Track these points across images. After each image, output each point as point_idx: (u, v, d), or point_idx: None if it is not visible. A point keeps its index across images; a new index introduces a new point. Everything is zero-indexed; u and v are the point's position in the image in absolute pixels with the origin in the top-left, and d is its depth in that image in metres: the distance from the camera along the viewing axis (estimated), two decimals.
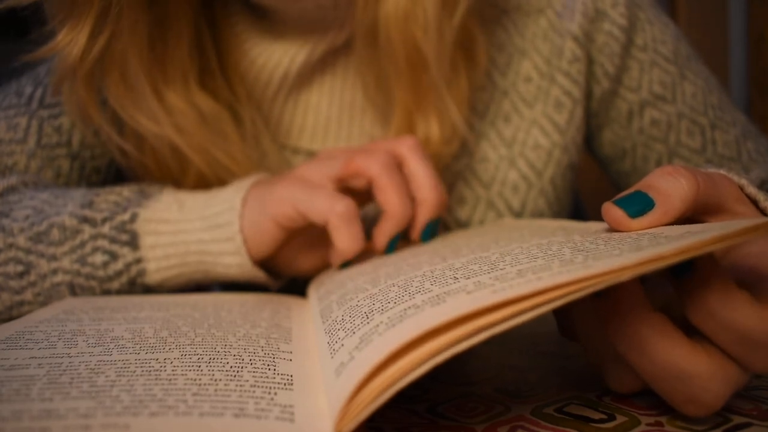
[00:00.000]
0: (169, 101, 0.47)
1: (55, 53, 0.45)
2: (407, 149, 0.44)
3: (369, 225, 0.45)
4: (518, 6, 0.55)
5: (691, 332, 0.25)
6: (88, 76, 0.46)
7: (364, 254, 0.44)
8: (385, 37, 0.47)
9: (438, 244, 0.41)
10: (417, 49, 0.47)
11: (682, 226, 0.26)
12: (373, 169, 0.42)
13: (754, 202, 0.30)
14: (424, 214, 0.43)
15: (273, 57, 0.51)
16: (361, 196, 0.45)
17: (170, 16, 0.46)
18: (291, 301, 0.42)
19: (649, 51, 0.55)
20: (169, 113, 0.47)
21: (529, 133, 0.55)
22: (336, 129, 0.55)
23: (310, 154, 0.54)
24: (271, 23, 0.50)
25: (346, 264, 0.43)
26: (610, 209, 0.28)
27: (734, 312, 0.24)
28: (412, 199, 0.43)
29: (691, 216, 0.28)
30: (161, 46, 0.46)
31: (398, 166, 0.43)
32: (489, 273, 0.26)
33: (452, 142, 0.51)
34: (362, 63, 0.51)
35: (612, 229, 0.29)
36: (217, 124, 0.49)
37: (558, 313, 0.30)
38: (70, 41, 0.44)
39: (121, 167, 0.53)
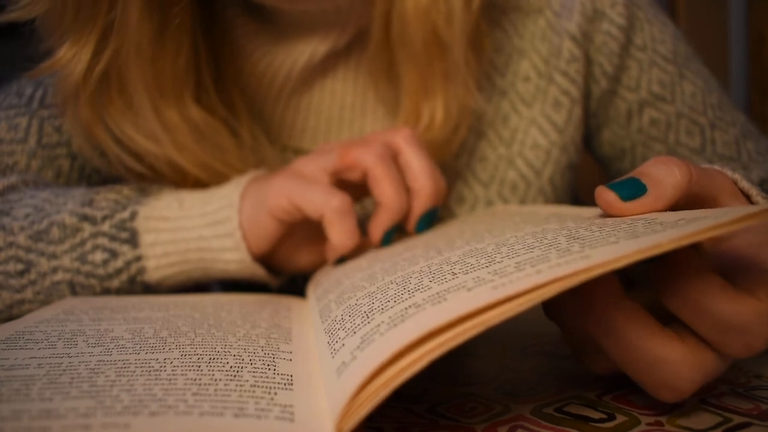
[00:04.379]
0: (167, 118, 0.46)
1: (56, 70, 0.45)
2: (402, 140, 0.43)
3: (363, 219, 0.45)
4: (517, 6, 0.55)
5: (668, 321, 0.26)
6: (91, 95, 0.45)
7: (360, 248, 0.44)
8: (400, 28, 0.48)
9: (431, 236, 0.41)
10: (436, 37, 0.47)
11: (676, 212, 0.27)
12: (367, 160, 0.42)
13: (748, 197, 0.30)
14: (420, 204, 0.43)
15: (275, 60, 0.51)
16: (359, 189, 0.44)
17: (170, 28, 0.45)
18: (291, 302, 0.42)
19: (648, 51, 0.55)
20: (168, 130, 0.47)
21: (528, 132, 0.55)
22: (337, 130, 0.55)
23: None
24: (272, 26, 0.50)
25: (342, 260, 0.43)
26: (603, 192, 0.28)
27: (709, 297, 0.24)
28: (407, 190, 0.43)
29: (685, 208, 0.29)
30: (161, 58, 0.45)
31: (394, 157, 0.43)
32: (487, 267, 0.26)
33: (460, 129, 0.51)
34: (375, 55, 0.51)
35: (605, 215, 0.29)
36: (213, 138, 0.49)
37: None
38: (73, 57, 0.43)
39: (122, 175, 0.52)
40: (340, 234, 0.41)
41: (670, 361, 0.25)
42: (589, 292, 0.26)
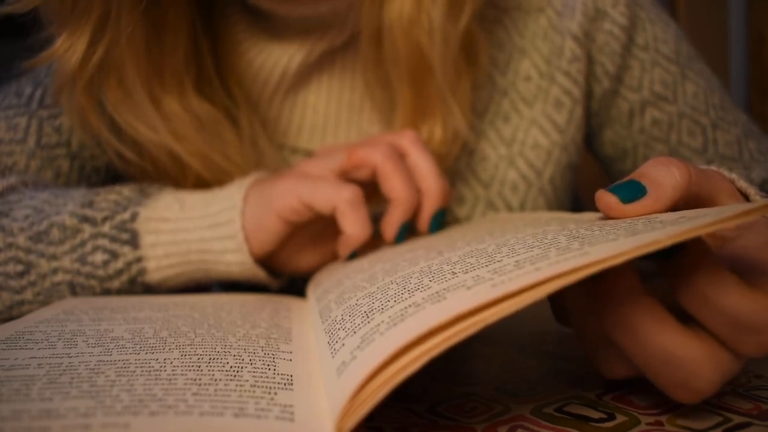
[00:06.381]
0: (166, 107, 0.47)
1: (54, 60, 0.45)
2: (408, 142, 0.44)
3: (375, 218, 0.45)
4: (518, 5, 0.55)
5: (685, 321, 0.25)
6: (87, 84, 0.46)
7: (373, 247, 0.44)
8: (389, 42, 0.48)
9: (433, 239, 0.41)
10: (421, 55, 0.47)
11: (677, 212, 0.27)
12: (376, 158, 0.42)
13: (746, 197, 0.30)
14: (431, 203, 0.43)
15: (271, 57, 0.51)
16: (366, 191, 0.44)
17: (167, 20, 0.46)
18: (291, 302, 0.42)
19: (651, 50, 0.55)
20: (167, 120, 0.47)
21: (529, 132, 0.55)
22: (334, 128, 0.55)
23: (308, 154, 0.55)
24: (269, 24, 0.50)
25: (353, 255, 0.43)
26: (603, 195, 0.28)
27: (724, 295, 0.24)
28: (417, 190, 0.43)
29: (684, 209, 0.29)
30: (158, 51, 0.46)
31: (401, 157, 0.43)
32: (487, 266, 0.26)
33: (455, 144, 0.51)
34: (367, 64, 0.51)
35: (606, 217, 0.29)
36: (214, 128, 0.49)
37: (552, 298, 0.30)
38: (69, 48, 0.44)
39: (120, 171, 0.52)
40: (353, 224, 0.41)
41: (690, 359, 0.24)
42: (610, 287, 0.25)
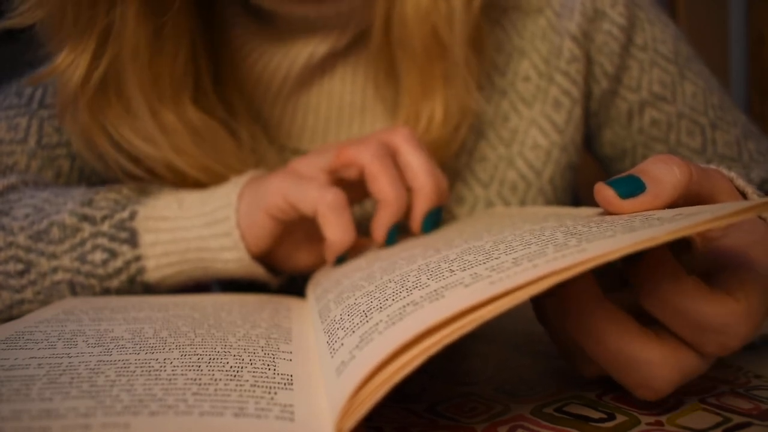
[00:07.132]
0: (165, 120, 0.46)
1: (55, 76, 0.45)
2: (401, 138, 0.43)
3: (366, 223, 0.45)
4: (517, 5, 0.55)
5: (651, 323, 0.26)
6: (90, 100, 0.45)
7: (363, 248, 0.44)
8: (400, 29, 0.48)
9: (431, 236, 0.41)
10: (436, 39, 0.48)
11: (674, 209, 0.27)
12: (363, 158, 0.41)
13: (744, 195, 0.31)
14: (422, 203, 0.42)
15: (273, 60, 0.51)
16: (360, 191, 0.44)
17: (167, 31, 0.45)
18: (291, 302, 0.42)
19: (649, 51, 0.55)
20: (166, 133, 0.46)
21: (528, 132, 0.55)
22: (335, 130, 0.55)
23: None
24: (271, 28, 0.50)
25: (341, 260, 0.42)
26: (602, 189, 0.28)
27: (683, 297, 0.24)
28: (408, 189, 0.42)
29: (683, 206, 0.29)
30: (159, 61, 0.45)
31: (392, 156, 0.42)
32: (484, 263, 0.26)
33: (460, 129, 0.51)
34: (376, 56, 0.51)
35: (604, 213, 0.29)
36: (213, 139, 0.48)
37: (534, 300, 0.30)
38: (72, 62, 0.43)
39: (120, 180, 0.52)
40: (334, 229, 0.40)
41: (647, 361, 0.25)
42: (568, 294, 0.26)
